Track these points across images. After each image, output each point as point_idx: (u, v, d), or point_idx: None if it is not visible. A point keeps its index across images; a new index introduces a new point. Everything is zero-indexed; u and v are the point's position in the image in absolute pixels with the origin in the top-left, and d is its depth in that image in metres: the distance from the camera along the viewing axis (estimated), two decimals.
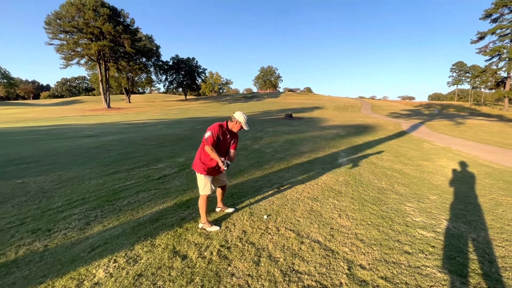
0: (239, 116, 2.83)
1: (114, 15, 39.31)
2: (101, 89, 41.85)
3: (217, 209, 3.45)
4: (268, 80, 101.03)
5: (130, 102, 54.80)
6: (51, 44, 37.95)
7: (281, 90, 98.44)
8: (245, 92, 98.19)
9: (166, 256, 2.36)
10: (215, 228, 2.93)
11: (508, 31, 34.57)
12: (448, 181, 5.03)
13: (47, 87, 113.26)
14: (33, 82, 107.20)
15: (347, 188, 4.41)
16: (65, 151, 7.79)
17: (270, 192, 4.17)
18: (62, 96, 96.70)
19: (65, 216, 3.27)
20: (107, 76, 43.14)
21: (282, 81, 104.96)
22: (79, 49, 38.57)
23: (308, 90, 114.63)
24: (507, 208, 3.67)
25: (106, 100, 40.74)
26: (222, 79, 71.22)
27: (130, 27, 42.36)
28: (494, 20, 36.35)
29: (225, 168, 2.83)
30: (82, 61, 42.51)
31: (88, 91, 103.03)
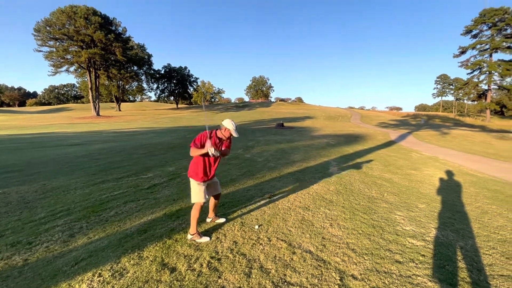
0: (228, 124, 2.85)
1: (106, 23, 39.22)
2: (90, 97, 41.20)
3: (208, 220, 3.38)
4: (260, 89, 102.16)
5: (120, 110, 54.11)
6: (40, 51, 37.34)
7: (272, 99, 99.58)
8: (237, 101, 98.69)
9: (154, 269, 2.27)
10: (205, 239, 2.86)
11: (487, 46, 36.40)
12: (436, 189, 5.13)
13: (34, 94, 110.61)
14: (19, 89, 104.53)
15: (338, 197, 4.43)
16: (50, 160, 7.54)
17: (261, 202, 4.13)
18: (49, 104, 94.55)
19: (48, 228, 3.13)
20: (97, 84, 42.60)
21: (273, 91, 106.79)
22: (68, 57, 38.08)
23: (299, 100, 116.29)
24: (492, 216, 3.75)
25: (95, 108, 40.07)
26: (214, 88, 71.40)
27: (122, 36, 42.28)
28: (474, 36, 38.27)
29: (215, 154, 2.73)
30: (72, 69, 41.93)
31: (77, 98, 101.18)
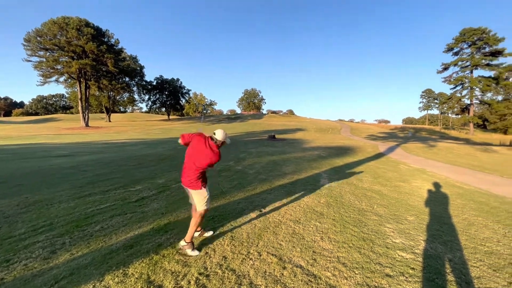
0: (219, 134, 2.96)
1: (99, 35, 39.29)
2: (80, 108, 40.58)
3: (196, 234, 3.30)
4: (252, 102, 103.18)
5: (110, 121, 53.34)
6: (29, 61, 36.85)
7: (264, 112, 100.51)
8: (229, 113, 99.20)
9: (139, 286, 2.18)
10: (195, 253, 2.80)
11: (468, 63, 38.24)
12: (424, 201, 5.20)
13: (21, 104, 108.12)
14: (6, 98, 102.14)
15: (329, 210, 4.42)
16: (34, 171, 7.29)
17: (252, 215, 4.08)
18: (36, 114, 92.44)
19: (28, 244, 2.98)
20: (87, 94, 42.10)
21: (265, 103, 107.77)
22: (58, 67, 37.68)
23: (291, 112, 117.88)
24: (479, 228, 3.82)
25: (84, 118, 39.38)
26: (206, 100, 71.68)
27: (114, 47, 42.33)
28: (456, 53, 40.22)
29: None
30: (62, 79, 41.42)
31: (66, 109, 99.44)
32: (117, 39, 42.91)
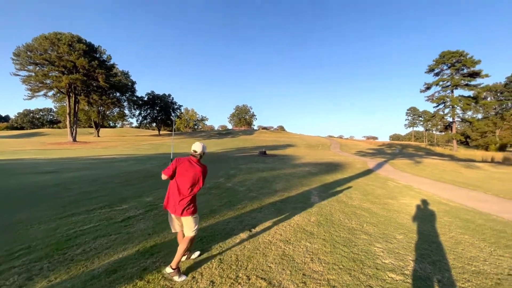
0: (196, 146, 2.99)
1: (90, 50, 39.37)
2: (68, 122, 39.76)
3: (183, 258, 3.18)
4: (243, 118, 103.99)
5: (99, 136, 52.35)
6: (17, 75, 36.28)
7: (255, 127, 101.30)
8: (220, 129, 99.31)
9: None
10: (182, 278, 2.69)
11: (448, 83, 40.19)
12: (412, 219, 5.24)
13: (6, 118, 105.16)
14: None
15: (319, 229, 4.39)
16: (15, 189, 6.97)
17: (242, 235, 4.00)
18: (22, 128, 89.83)
19: (3, 270, 2.79)
20: (76, 109, 41.47)
21: (256, 119, 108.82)
22: (48, 81, 37.21)
23: (281, 128, 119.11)
24: (466, 246, 3.86)
25: (72, 133, 38.52)
26: (197, 116, 71.77)
27: (106, 63, 42.38)
28: (437, 74, 42.30)
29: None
30: (50, 93, 40.80)
31: (53, 123, 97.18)
32: (109, 55, 43.05)
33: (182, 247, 2.79)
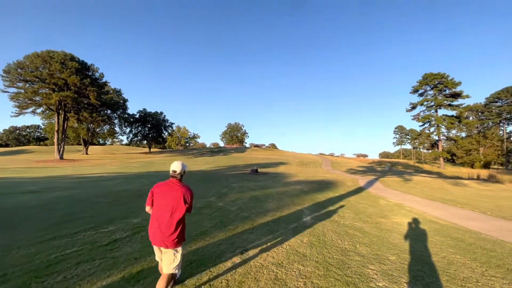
0: (175, 166, 2.71)
1: (83, 68, 39.42)
2: (55, 139, 38.82)
3: None
4: (235, 135, 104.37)
5: (87, 153, 51.12)
6: (6, 91, 35.70)
7: (247, 145, 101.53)
8: (212, 146, 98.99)
9: None
10: None
11: (432, 103, 41.89)
12: (404, 239, 5.22)
13: None
14: None
15: (312, 251, 4.30)
16: None
17: (233, 258, 3.86)
18: (7, 145, 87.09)
19: None
20: (65, 126, 40.72)
21: (248, 136, 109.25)
22: (37, 98, 36.68)
23: (273, 146, 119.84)
24: (458, 267, 3.84)
25: (59, 150, 37.50)
26: (189, 133, 71.59)
27: (98, 81, 42.38)
28: (421, 94, 44.13)
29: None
30: (39, 110, 40.09)
31: (40, 140, 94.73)
32: (102, 73, 43.16)
33: (160, 284, 2.52)
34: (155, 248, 2.70)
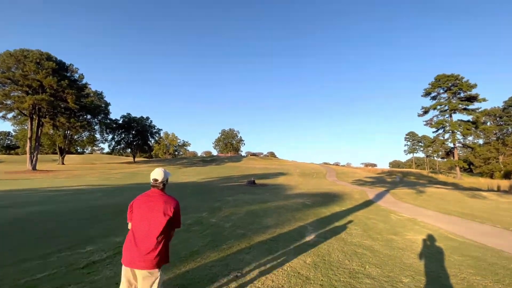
0: (156, 174, 2.61)
1: (60, 69, 39.46)
2: (28, 148, 38.48)
3: None
4: (230, 143, 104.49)
5: (63, 163, 50.63)
6: None
7: (243, 154, 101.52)
8: (204, 155, 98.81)
9: None
10: None
11: (446, 107, 42.50)
12: (419, 258, 5.20)
13: None
14: None
15: (316, 273, 4.25)
16: None
17: (227, 282, 3.81)
18: None
19: None
20: (39, 133, 40.42)
21: (244, 144, 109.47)
22: (8, 102, 36.52)
23: (272, 154, 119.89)
24: None
25: (32, 160, 37.10)
26: (178, 141, 71.52)
27: (78, 82, 42.44)
28: (434, 98, 44.81)
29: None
30: (10, 115, 39.91)
31: (11, 149, 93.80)
32: (82, 74, 43.28)
33: None
34: (126, 270, 2.35)
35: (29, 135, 38.82)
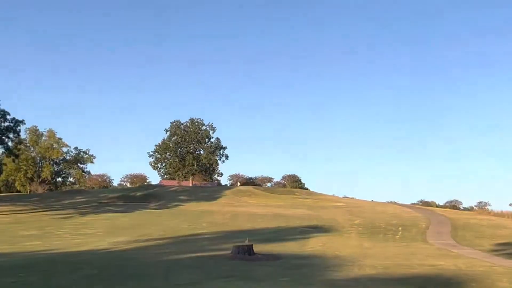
0: None
1: None
2: None
3: None
4: (190, 153, 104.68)
5: None
6: None
7: (223, 179, 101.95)
8: (129, 185, 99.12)
9: None
10: None
11: None
12: None
13: None
14: None
15: None
16: None
17: None
18: None
19: None
20: None
21: (225, 158, 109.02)
22: None
23: (294, 180, 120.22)
24: None
25: None
26: (64, 149, 71.70)
27: None
28: None
29: None
30: None
31: None
32: None
33: None
34: None
35: None
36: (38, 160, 71.20)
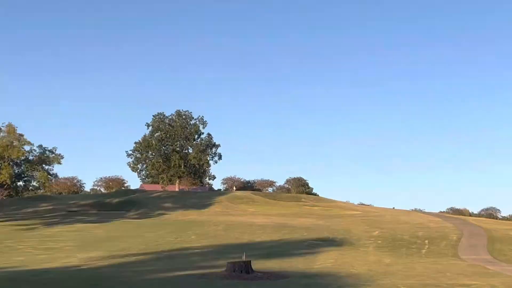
0: None
1: None
2: None
3: None
4: (176, 151, 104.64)
5: None
6: None
7: (216, 183, 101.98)
8: (104, 191, 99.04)
9: None
10: None
11: None
12: None
13: None
14: None
15: None
16: None
17: None
18: None
19: None
20: None
21: (218, 158, 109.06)
22: None
23: (302, 185, 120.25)
24: None
25: None
26: (29, 146, 71.81)
27: None
28: None
29: None
30: None
31: None
32: None
33: None
34: None
35: None
36: None
